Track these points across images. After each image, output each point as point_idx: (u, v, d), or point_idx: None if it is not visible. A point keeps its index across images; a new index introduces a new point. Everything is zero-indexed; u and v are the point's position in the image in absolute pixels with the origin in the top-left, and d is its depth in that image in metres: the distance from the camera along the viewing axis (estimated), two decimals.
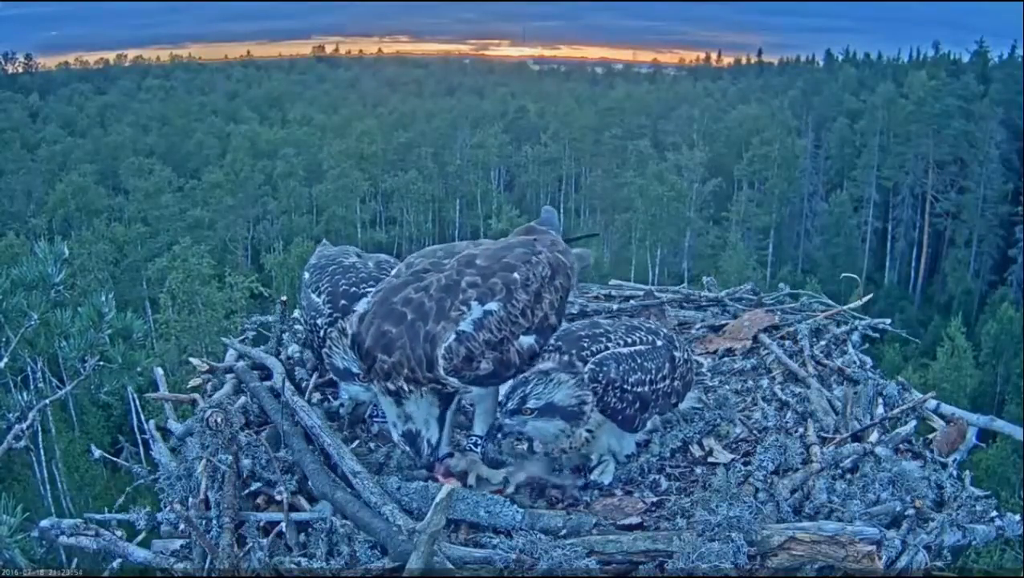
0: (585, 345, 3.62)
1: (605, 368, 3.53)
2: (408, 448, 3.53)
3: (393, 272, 3.75)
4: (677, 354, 3.90)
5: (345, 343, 3.71)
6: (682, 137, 61.29)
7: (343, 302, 3.89)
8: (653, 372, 3.68)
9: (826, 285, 27.33)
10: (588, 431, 3.55)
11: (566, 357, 3.54)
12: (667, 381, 3.75)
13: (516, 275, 3.54)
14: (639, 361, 3.65)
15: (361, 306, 3.59)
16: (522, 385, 3.41)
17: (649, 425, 3.91)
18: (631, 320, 4.29)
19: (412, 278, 3.52)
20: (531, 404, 3.40)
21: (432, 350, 3.31)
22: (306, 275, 4.28)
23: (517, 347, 3.51)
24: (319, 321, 3.94)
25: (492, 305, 3.43)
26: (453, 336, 3.33)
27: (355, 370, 3.68)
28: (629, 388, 3.56)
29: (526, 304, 3.54)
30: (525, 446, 4.16)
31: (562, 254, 3.93)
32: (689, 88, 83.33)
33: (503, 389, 3.91)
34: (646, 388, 3.63)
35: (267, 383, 4.15)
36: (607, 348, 3.63)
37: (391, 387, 3.37)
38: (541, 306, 3.61)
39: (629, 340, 3.73)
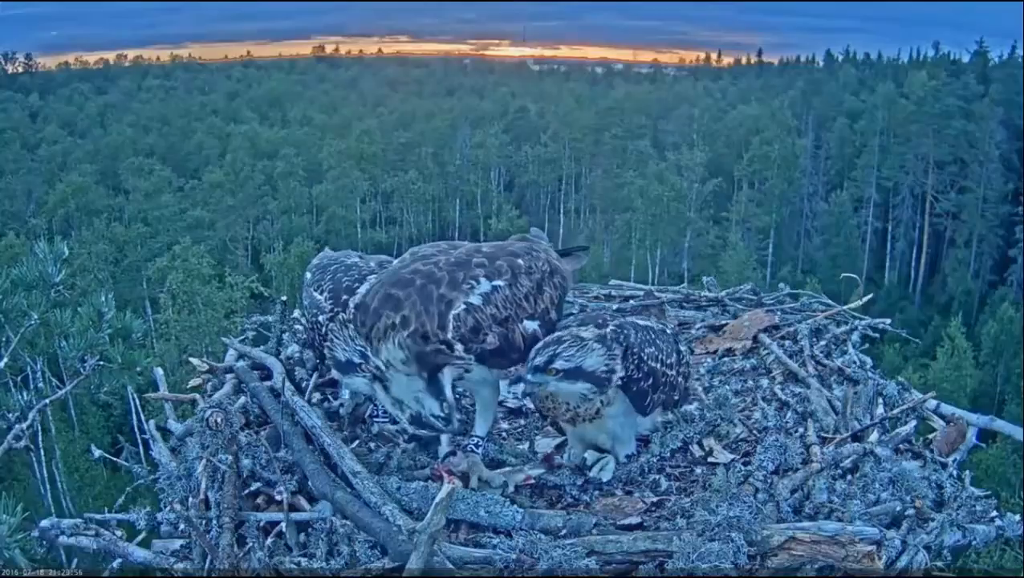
0: (608, 320, 3.70)
1: (625, 332, 3.58)
2: (422, 430, 3.50)
3: (396, 262, 3.82)
4: (683, 349, 3.95)
5: (346, 334, 3.68)
6: (682, 137, 61.29)
7: (344, 297, 3.85)
8: (664, 353, 3.70)
9: (826, 285, 27.26)
10: (601, 402, 3.55)
11: (603, 331, 3.56)
12: (674, 370, 3.76)
13: (520, 261, 3.67)
14: (653, 337, 3.69)
15: (363, 288, 3.62)
16: (553, 344, 3.41)
17: (650, 424, 3.92)
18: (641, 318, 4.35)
19: (418, 258, 3.62)
20: (558, 365, 3.40)
21: (446, 310, 3.36)
22: (308, 275, 4.26)
23: (522, 330, 3.57)
24: (320, 318, 3.90)
25: (499, 282, 3.52)
26: (463, 306, 3.39)
27: (357, 361, 3.63)
28: (645, 358, 3.58)
29: (530, 290, 3.63)
30: (525, 446, 4.17)
31: (557, 260, 4.03)
32: (689, 88, 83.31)
33: (504, 388, 3.92)
34: (658, 365, 3.64)
35: (267, 383, 4.15)
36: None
37: (390, 345, 3.33)
38: (543, 297, 3.70)
39: (643, 321, 3.82)
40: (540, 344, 3.45)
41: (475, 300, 3.43)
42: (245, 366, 4.38)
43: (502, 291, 3.52)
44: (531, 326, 3.62)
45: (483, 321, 3.43)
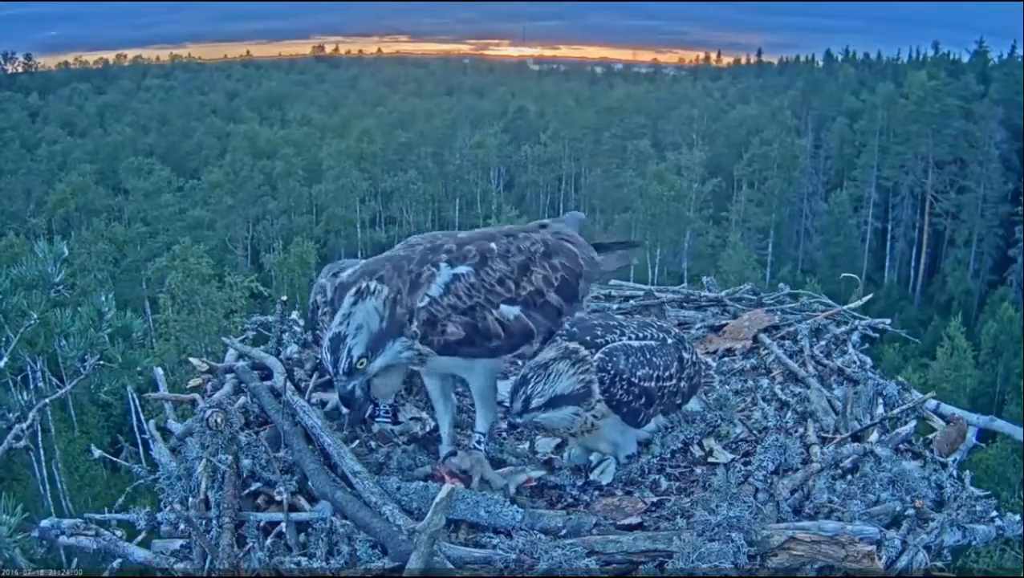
0: (598, 334, 3.63)
1: (614, 359, 3.55)
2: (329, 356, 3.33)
3: None
4: (686, 355, 3.91)
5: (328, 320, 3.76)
6: (682, 137, 61.24)
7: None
8: (661, 369, 3.69)
9: (826, 285, 27.31)
10: (594, 417, 3.55)
11: (569, 344, 3.54)
12: (674, 380, 3.76)
13: (493, 245, 3.55)
14: (648, 356, 3.66)
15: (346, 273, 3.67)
16: (522, 385, 3.42)
17: (653, 425, 3.92)
18: (642, 318, 4.31)
19: (404, 247, 3.65)
20: (535, 402, 3.41)
21: (416, 280, 3.37)
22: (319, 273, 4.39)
23: (497, 316, 3.47)
24: (317, 298, 4.03)
25: (462, 268, 3.44)
26: (425, 299, 3.36)
27: None
28: (636, 381, 3.57)
29: (505, 273, 3.51)
30: (526, 446, 4.17)
31: (569, 242, 3.87)
32: (689, 88, 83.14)
33: (503, 389, 3.92)
34: (652, 384, 3.63)
35: (267, 383, 4.16)
36: (620, 340, 3.65)
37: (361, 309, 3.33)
38: (530, 279, 3.57)
39: (640, 335, 3.76)
40: (510, 389, 3.44)
41: (431, 292, 3.37)
42: (245, 366, 4.38)
43: (465, 279, 3.42)
44: (511, 312, 3.50)
45: (439, 313, 3.36)
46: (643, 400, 3.61)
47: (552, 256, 3.69)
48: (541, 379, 3.42)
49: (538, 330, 3.57)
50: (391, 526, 3.08)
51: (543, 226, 3.96)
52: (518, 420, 3.45)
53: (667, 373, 3.71)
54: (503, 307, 3.48)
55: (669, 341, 3.86)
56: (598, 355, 3.56)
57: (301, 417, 3.71)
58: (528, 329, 3.54)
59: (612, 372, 3.52)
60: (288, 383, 3.96)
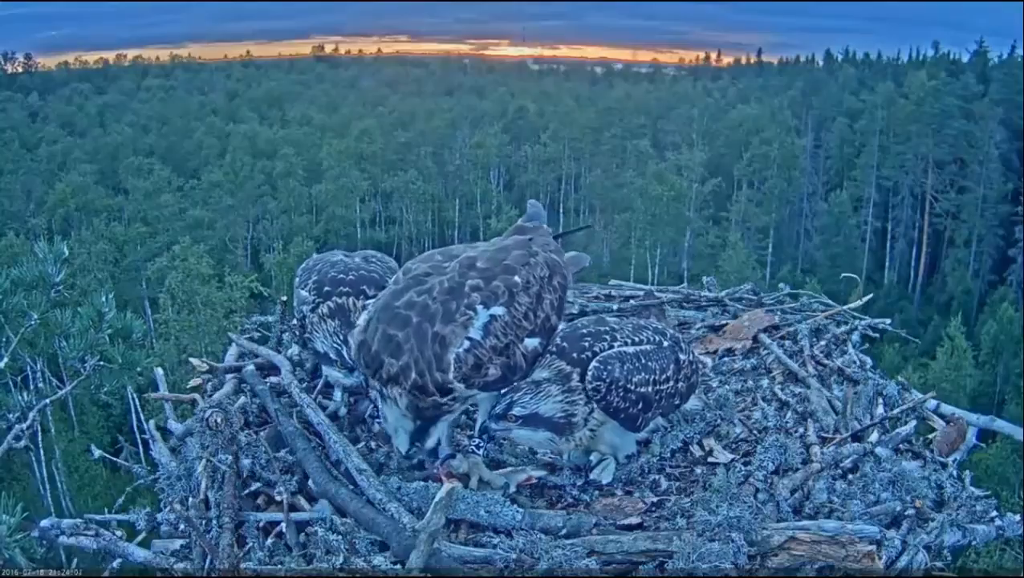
0: (586, 345, 3.60)
1: (609, 367, 3.52)
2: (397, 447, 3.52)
3: (392, 280, 3.72)
4: (682, 356, 3.88)
5: (325, 327, 3.87)
6: (682, 137, 61.19)
7: (327, 288, 4.05)
8: (657, 372, 3.66)
9: (826, 285, 27.28)
10: (591, 430, 3.54)
11: (565, 367, 3.52)
12: (671, 382, 3.74)
13: (517, 278, 3.53)
14: (644, 361, 3.63)
15: (362, 317, 3.56)
16: (511, 392, 3.42)
17: (652, 425, 3.91)
18: (637, 320, 4.28)
19: (412, 282, 3.49)
20: (516, 411, 3.40)
21: (443, 351, 3.28)
22: (296, 278, 4.38)
23: (522, 350, 3.50)
24: (304, 309, 4.09)
25: (497, 309, 3.41)
26: (466, 343, 3.31)
27: (333, 357, 3.87)
28: (632, 388, 3.55)
29: (528, 307, 3.52)
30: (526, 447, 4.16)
31: (555, 253, 3.92)
32: (689, 88, 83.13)
33: None
34: (649, 388, 3.61)
35: (273, 379, 4.18)
36: (611, 347, 3.61)
37: (393, 393, 3.33)
38: (542, 308, 3.60)
39: (635, 339, 3.72)
40: (501, 393, 3.45)
41: (474, 334, 3.33)
42: (252, 367, 4.38)
43: (501, 319, 3.41)
44: (532, 344, 3.54)
45: (483, 356, 3.35)
46: (640, 405, 3.60)
47: (553, 277, 3.74)
48: (529, 393, 3.42)
49: (542, 352, 3.61)
50: (396, 522, 3.08)
51: (529, 238, 3.93)
52: (492, 425, 3.41)
53: (664, 377, 3.69)
54: (527, 340, 3.52)
55: (665, 344, 3.84)
56: (592, 364, 3.53)
57: (308, 414, 3.72)
58: (539, 354, 3.59)
59: (607, 381, 3.49)
60: (295, 380, 4.00)
